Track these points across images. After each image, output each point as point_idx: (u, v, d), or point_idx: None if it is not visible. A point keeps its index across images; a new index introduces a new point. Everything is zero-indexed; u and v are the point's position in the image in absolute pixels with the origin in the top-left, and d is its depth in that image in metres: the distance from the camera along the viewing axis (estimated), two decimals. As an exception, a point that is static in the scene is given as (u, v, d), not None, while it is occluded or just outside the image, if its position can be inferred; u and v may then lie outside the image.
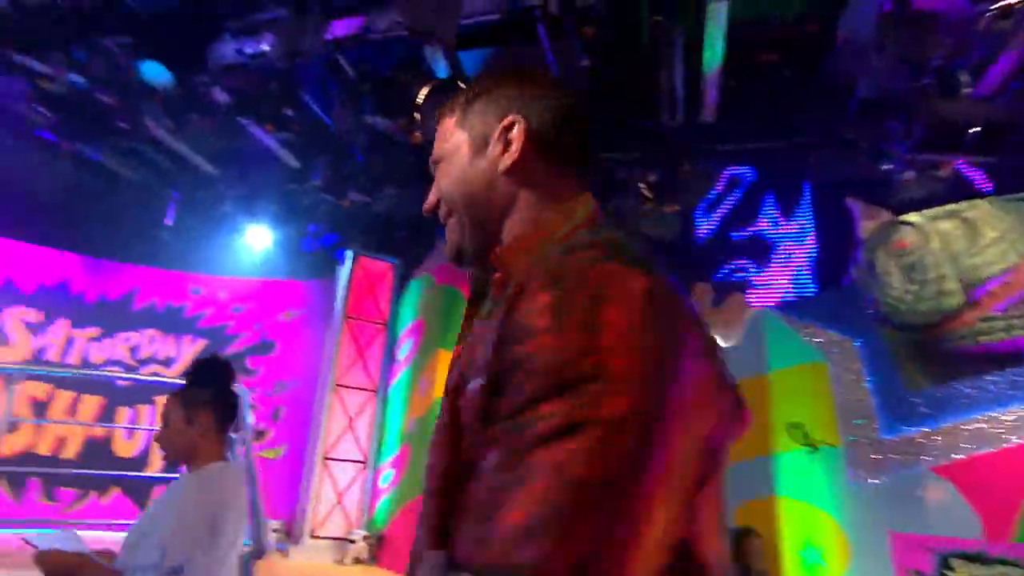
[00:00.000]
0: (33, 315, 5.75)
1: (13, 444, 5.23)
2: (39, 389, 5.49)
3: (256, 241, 6.63)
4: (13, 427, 5.20)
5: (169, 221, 6.24)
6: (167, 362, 6.03)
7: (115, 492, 5.39)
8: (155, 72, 5.24)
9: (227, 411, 1.64)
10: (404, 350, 5.78)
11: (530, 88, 0.74)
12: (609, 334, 0.53)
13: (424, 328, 5.53)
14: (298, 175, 6.39)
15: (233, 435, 2.90)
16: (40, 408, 5.48)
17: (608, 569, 0.50)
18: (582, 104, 0.76)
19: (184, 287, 6.40)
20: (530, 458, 0.51)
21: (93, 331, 5.92)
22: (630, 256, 0.58)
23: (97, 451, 5.48)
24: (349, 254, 6.10)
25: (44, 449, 5.40)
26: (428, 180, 0.84)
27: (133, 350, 5.96)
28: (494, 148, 0.72)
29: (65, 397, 5.58)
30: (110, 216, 6.16)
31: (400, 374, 5.60)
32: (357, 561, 5.17)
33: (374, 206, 6.63)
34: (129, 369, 5.87)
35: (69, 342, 5.80)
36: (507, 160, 0.71)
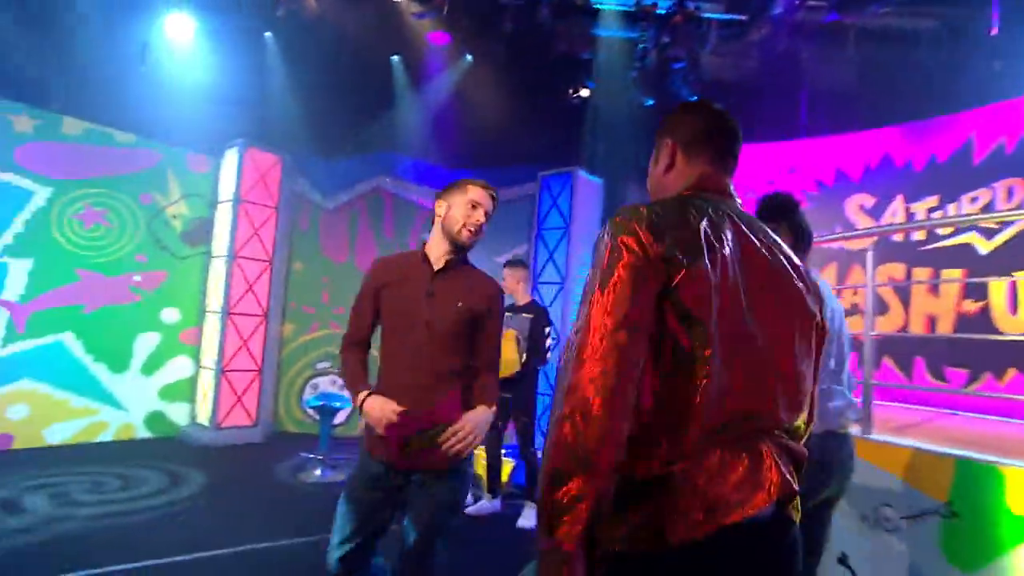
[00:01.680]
0: (867, 199, 5.65)
1: (887, 324, 5.22)
2: (896, 270, 5.30)
3: None
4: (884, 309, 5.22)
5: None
6: (1040, 214, 4.61)
7: (1013, 373, 4.47)
8: None
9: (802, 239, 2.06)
10: None
11: (678, 117, 1.24)
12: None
13: None
14: None
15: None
16: (901, 289, 5.26)
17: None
18: (715, 119, 1.21)
19: (1029, 115, 4.80)
20: None
21: (931, 200, 5.25)
22: (630, 211, 1.02)
23: (974, 327, 4.72)
24: None
25: (917, 328, 5.11)
26: None
27: (987, 208, 4.88)
28: (661, 159, 1.23)
29: (922, 274, 5.14)
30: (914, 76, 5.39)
31: None
32: None
33: None
34: (989, 232, 4.83)
35: (910, 217, 5.35)
36: (663, 164, 1.22)
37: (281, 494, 4.57)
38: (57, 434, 5.47)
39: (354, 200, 6.96)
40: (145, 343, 5.98)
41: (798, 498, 1.04)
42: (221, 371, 5.96)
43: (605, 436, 0.86)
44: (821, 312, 1.15)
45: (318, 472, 4.97)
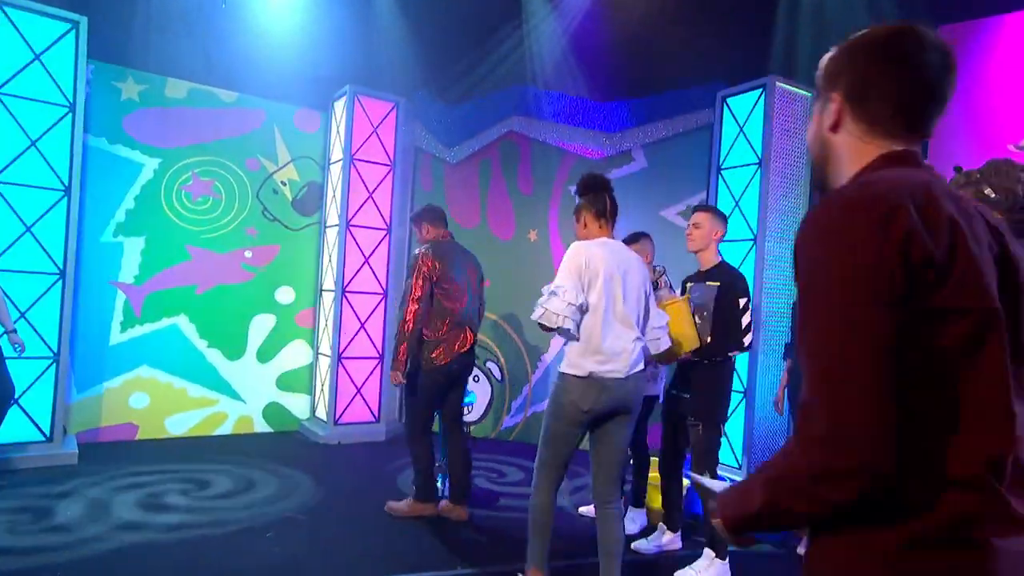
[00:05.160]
0: None
1: None
2: None
3: None
4: None
5: None
6: None
7: None
8: None
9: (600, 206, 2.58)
10: None
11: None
12: None
13: None
14: None
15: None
16: None
17: None
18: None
19: None
20: None
21: None
22: None
23: None
24: None
25: None
26: None
27: None
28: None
29: None
30: None
31: None
32: None
33: None
34: None
35: None
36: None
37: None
38: (179, 425, 5.06)
39: (483, 149, 5.76)
40: (260, 327, 5.38)
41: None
42: (338, 359, 5.17)
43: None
44: (478, 272, 3.65)
45: (438, 484, 3.88)
